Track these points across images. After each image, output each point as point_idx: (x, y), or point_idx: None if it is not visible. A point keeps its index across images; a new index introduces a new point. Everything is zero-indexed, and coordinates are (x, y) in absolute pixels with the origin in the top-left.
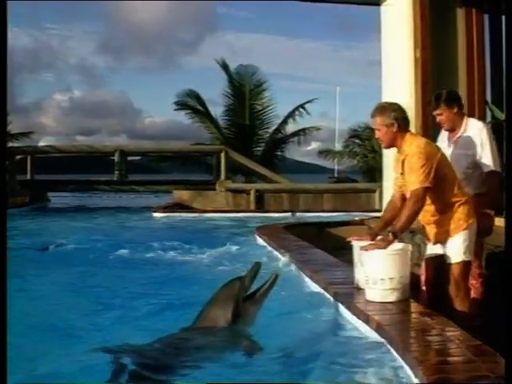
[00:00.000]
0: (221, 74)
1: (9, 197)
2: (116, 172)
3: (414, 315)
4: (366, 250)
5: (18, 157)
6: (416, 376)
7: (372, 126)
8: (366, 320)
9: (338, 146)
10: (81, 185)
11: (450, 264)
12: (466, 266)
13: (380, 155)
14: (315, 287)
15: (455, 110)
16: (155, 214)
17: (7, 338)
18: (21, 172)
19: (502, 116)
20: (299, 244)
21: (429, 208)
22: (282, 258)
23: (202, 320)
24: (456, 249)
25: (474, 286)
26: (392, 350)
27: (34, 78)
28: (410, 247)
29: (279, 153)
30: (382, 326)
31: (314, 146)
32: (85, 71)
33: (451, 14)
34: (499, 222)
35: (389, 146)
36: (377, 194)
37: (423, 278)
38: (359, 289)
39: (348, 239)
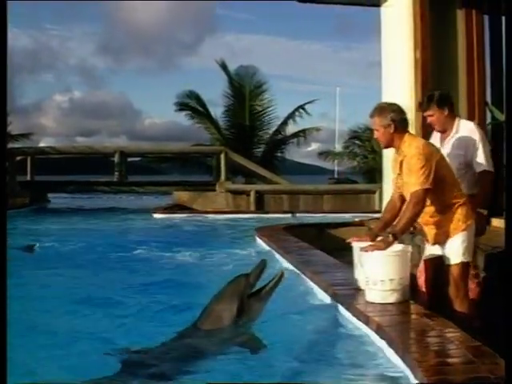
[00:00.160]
0: (221, 74)
1: (9, 198)
2: (116, 173)
3: (413, 316)
4: (366, 251)
5: (18, 158)
6: (416, 377)
7: (371, 127)
8: (366, 321)
9: (338, 147)
10: (81, 186)
11: (449, 265)
12: (465, 267)
13: (380, 156)
14: (315, 288)
15: (446, 112)
16: (155, 215)
17: (7, 338)
18: (21, 173)
19: (501, 117)
20: (299, 245)
21: (428, 209)
22: (282, 264)
23: (208, 315)
24: (455, 250)
25: (470, 286)
26: (392, 351)
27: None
28: (409, 248)
29: (279, 154)
30: (382, 327)
31: (314, 147)
32: (85, 72)
33: (451, 14)
34: (500, 223)
35: (387, 146)
36: (377, 195)
37: (422, 278)
38: (359, 290)
39: (348, 240)
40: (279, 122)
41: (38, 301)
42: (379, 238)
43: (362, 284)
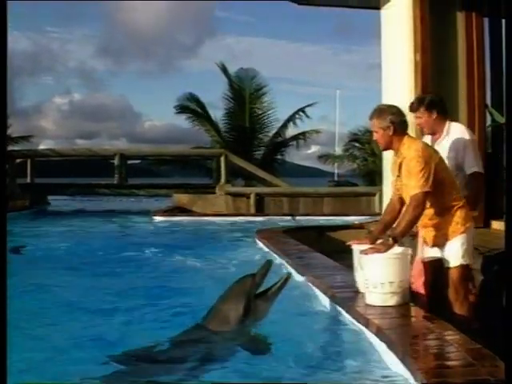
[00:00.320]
0: (221, 77)
1: (9, 200)
2: (116, 175)
3: (413, 319)
4: (366, 253)
5: (18, 160)
6: (416, 380)
7: (371, 129)
8: (366, 324)
9: (338, 150)
10: (81, 188)
11: (448, 268)
12: (464, 269)
13: (380, 159)
14: (315, 291)
15: (435, 116)
16: (155, 218)
17: (7, 338)
18: (21, 175)
19: (501, 119)
20: (299, 248)
21: (427, 211)
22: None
23: (214, 314)
24: (454, 252)
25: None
26: (392, 354)
27: (34, 81)
28: (409, 251)
29: (279, 156)
30: (382, 330)
31: (314, 149)
32: (84, 74)
33: (451, 17)
34: (499, 225)
35: (386, 149)
36: (377, 198)
37: (417, 282)
38: (359, 292)
39: (348, 243)
40: (279, 125)
41: (37, 302)
42: (379, 241)
43: (361, 287)
